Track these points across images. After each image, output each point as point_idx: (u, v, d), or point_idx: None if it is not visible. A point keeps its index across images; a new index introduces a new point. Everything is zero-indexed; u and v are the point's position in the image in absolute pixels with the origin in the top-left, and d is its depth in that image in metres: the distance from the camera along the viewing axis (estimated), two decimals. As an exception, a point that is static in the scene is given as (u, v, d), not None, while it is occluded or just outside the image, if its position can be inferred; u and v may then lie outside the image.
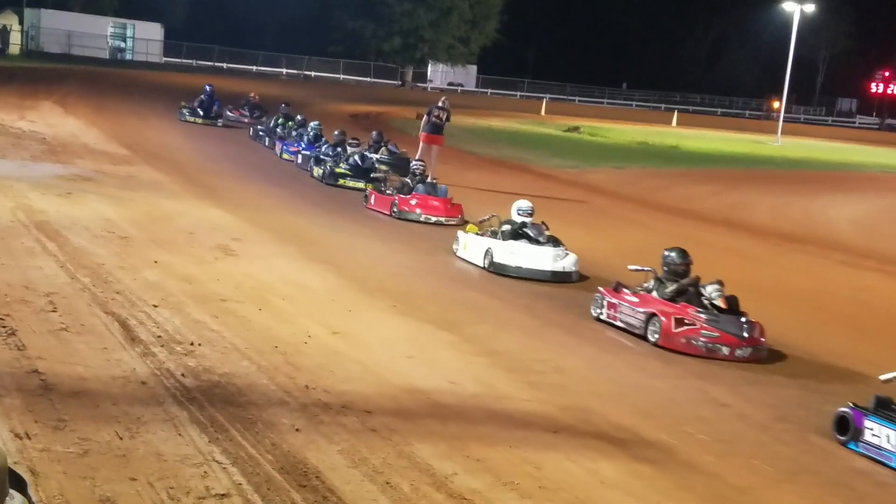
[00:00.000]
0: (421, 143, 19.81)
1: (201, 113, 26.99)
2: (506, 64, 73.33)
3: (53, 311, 7.78)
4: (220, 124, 27.05)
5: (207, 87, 28.11)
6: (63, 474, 4.98)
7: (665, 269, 9.57)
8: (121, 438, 5.48)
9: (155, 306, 8.27)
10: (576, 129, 41.21)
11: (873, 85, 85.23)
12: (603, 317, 9.71)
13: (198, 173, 17.84)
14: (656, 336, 8.98)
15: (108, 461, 5.18)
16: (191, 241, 11.41)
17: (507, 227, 11.95)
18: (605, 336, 9.36)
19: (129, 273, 9.36)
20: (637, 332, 9.25)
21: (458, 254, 12.40)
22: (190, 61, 59.96)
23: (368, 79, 66.71)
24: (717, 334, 8.84)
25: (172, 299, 8.59)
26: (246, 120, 28.12)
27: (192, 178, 17.05)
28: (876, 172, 35.76)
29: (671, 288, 9.34)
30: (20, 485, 2.40)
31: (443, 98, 20.80)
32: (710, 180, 26.96)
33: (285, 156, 21.64)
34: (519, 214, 12.05)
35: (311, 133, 21.41)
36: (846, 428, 6.82)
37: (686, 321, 8.93)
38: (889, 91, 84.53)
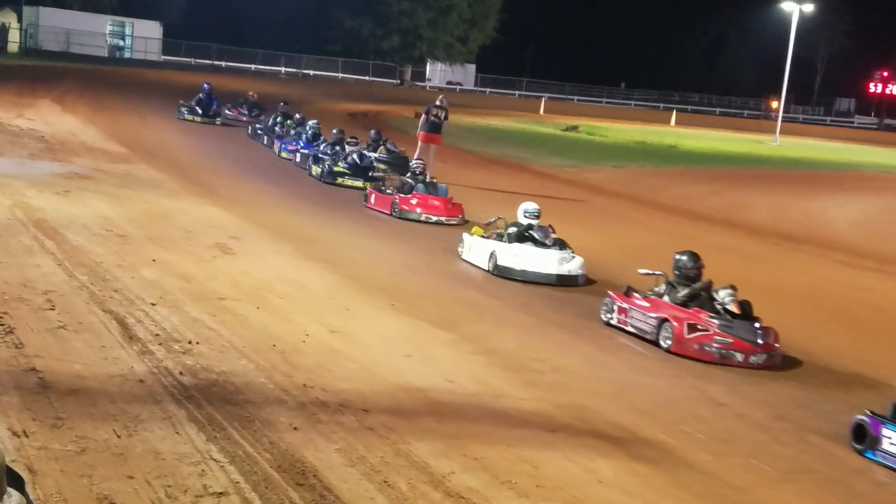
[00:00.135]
0: (419, 142, 19.82)
1: (200, 111, 26.95)
2: (504, 63, 73.35)
3: (51, 310, 7.77)
4: (218, 123, 27.02)
5: (205, 86, 28.06)
6: (61, 472, 4.98)
7: (676, 272, 9.36)
8: (118, 437, 5.47)
9: (153, 304, 8.27)
10: (574, 128, 41.21)
11: (872, 85, 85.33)
12: (613, 321, 9.51)
13: (196, 172, 17.83)
14: (668, 342, 8.79)
15: (105, 459, 5.18)
16: (189, 240, 11.40)
17: (512, 230, 11.73)
18: (603, 335, 9.35)
19: (127, 271, 9.35)
20: (648, 337, 9.03)
21: (462, 256, 12.19)
22: (188, 59, 59.91)
23: (367, 77, 66.70)
24: (730, 340, 8.64)
25: (170, 297, 8.59)
26: (244, 118, 28.08)
27: (191, 176, 17.04)
28: (875, 172, 35.79)
29: (683, 292, 9.13)
30: (18, 483, 2.40)
31: (440, 97, 20.78)
32: (708, 180, 26.98)
33: (284, 154, 21.62)
34: (525, 217, 11.81)
35: (310, 132, 21.39)
36: (863, 436, 6.65)
37: (699, 327, 8.72)
38: (887, 91, 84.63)
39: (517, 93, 72.10)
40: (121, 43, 59.81)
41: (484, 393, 7.10)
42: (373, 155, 19.42)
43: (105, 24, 58.72)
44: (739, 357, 8.60)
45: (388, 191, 15.71)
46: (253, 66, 62.22)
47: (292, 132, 22.62)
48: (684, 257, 9.36)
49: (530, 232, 11.70)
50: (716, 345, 8.62)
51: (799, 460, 6.54)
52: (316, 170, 18.77)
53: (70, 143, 19.54)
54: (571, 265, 11.43)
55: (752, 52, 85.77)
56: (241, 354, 7.24)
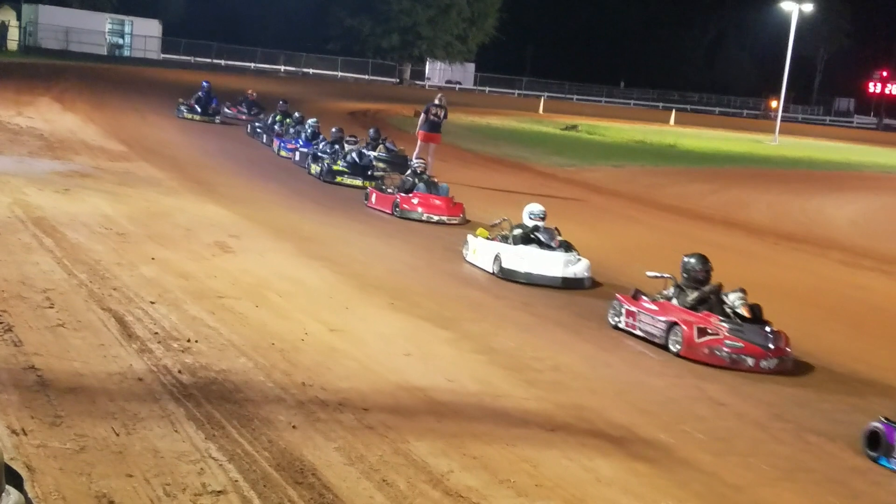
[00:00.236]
0: (419, 141, 19.81)
1: (199, 110, 26.93)
2: (504, 62, 73.32)
3: (50, 308, 7.77)
4: (217, 121, 27.01)
5: (204, 84, 28.02)
6: (59, 470, 4.97)
7: (685, 275, 9.20)
8: (117, 435, 5.47)
9: (152, 303, 8.26)
10: (574, 127, 41.22)
11: (871, 84, 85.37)
12: (621, 325, 9.37)
13: (195, 170, 17.83)
14: (678, 346, 8.63)
15: (104, 457, 5.17)
16: (188, 238, 11.40)
17: (518, 231, 11.55)
18: (603, 334, 9.35)
19: (126, 269, 9.35)
20: (657, 341, 8.89)
21: (467, 259, 12.03)
22: (188, 58, 59.88)
23: (366, 76, 66.69)
24: (741, 345, 8.47)
25: (169, 296, 8.58)
26: (244, 117, 28.09)
27: (190, 174, 17.03)
28: (873, 172, 35.82)
29: (692, 296, 8.98)
30: (16, 481, 2.40)
31: (439, 95, 20.74)
32: (707, 179, 26.99)
33: (283, 153, 21.61)
34: (530, 218, 11.62)
35: (309, 130, 21.38)
36: (877, 443, 6.53)
37: (709, 331, 8.55)
38: (887, 91, 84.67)
39: (516, 92, 72.09)
40: (120, 41, 59.76)
41: (483, 392, 7.10)
42: (372, 153, 19.42)
43: (104, 22, 58.66)
44: (750, 362, 8.45)
45: (389, 190, 15.67)
46: (252, 65, 62.20)
47: (291, 131, 22.61)
48: (692, 260, 9.19)
49: (536, 234, 11.52)
50: (726, 349, 8.45)
51: (798, 459, 6.54)
52: (315, 168, 18.75)
53: (69, 141, 19.53)
54: (577, 268, 11.26)
55: (751, 51, 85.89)
56: (240, 353, 7.23)
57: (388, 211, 15.14)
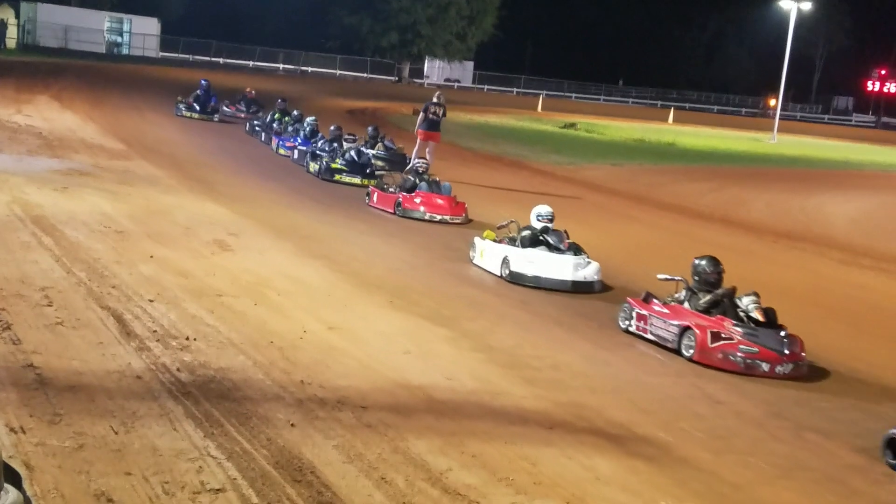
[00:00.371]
0: (418, 140, 19.80)
1: (198, 108, 26.91)
2: (502, 60, 73.36)
3: (49, 306, 7.77)
4: (216, 119, 26.99)
5: (203, 82, 27.99)
6: (58, 468, 4.97)
7: (696, 278, 9.03)
8: (116, 433, 5.47)
9: (151, 301, 8.26)
10: (572, 125, 41.22)
11: (870, 83, 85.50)
12: (632, 329, 9.22)
13: (194, 168, 17.82)
14: (691, 351, 8.44)
15: (103, 455, 5.17)
16: (187, 236, 11.39)
17: (526, 233, 11.34)
18: (603, 333, 9.34)
19: (125, 267, 9.35)
20: (669, 346, 8.74)
21: (474, 262, 11.78)
22: (187, 56, 59.85)
23: (365, 74, 66.70)
24: (755, 349, 8.28)
25: (168, 294, 8.58)
26: (242, 115, 28.09)
27: (189, 172, 17.02)
28: (872, 170, 35.85)
29: (705, 299, 8.82)
30: (15, 479, 2.40)
31: (437, 93, 20.69)
32: (706, 177, 26.99)
33: (281, 151, 21.59)
34: (538, 220, 11.41)
35: (308, 128, 21.37)
36: None
37: (723, 335, 8.38)
38: (885, 89, 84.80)
39: (515, 90, 72.14)
40: (119, 39, 59.67)
41: (482, 390, 7.10)
42: (370, 152, 19.41)
43: (103, 21, 58.58)
44: (765, 367, 8.27)
45: (390, 189, 15.61)
46: (251, 63, 62.17)
47: (290, 129, 22.61)
48: (703, 262, 9.03)
49: (544, 236, 11.31)
50: (741, 354, 8.28)
51: (796, 457, 6.54)
52: (314, 166, 18.74)
53: (68, 139, 19.52)
54: (587, 271, 11.05)
55: (750, 49, 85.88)
56: (238, 351, 7.23)
57: (389, 210, 15.10)
